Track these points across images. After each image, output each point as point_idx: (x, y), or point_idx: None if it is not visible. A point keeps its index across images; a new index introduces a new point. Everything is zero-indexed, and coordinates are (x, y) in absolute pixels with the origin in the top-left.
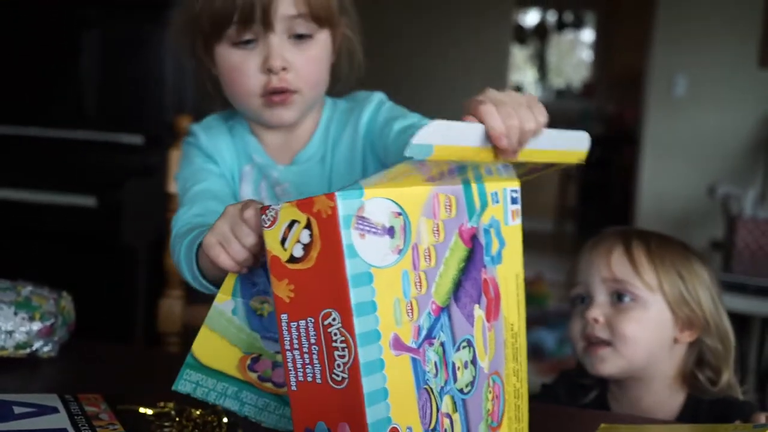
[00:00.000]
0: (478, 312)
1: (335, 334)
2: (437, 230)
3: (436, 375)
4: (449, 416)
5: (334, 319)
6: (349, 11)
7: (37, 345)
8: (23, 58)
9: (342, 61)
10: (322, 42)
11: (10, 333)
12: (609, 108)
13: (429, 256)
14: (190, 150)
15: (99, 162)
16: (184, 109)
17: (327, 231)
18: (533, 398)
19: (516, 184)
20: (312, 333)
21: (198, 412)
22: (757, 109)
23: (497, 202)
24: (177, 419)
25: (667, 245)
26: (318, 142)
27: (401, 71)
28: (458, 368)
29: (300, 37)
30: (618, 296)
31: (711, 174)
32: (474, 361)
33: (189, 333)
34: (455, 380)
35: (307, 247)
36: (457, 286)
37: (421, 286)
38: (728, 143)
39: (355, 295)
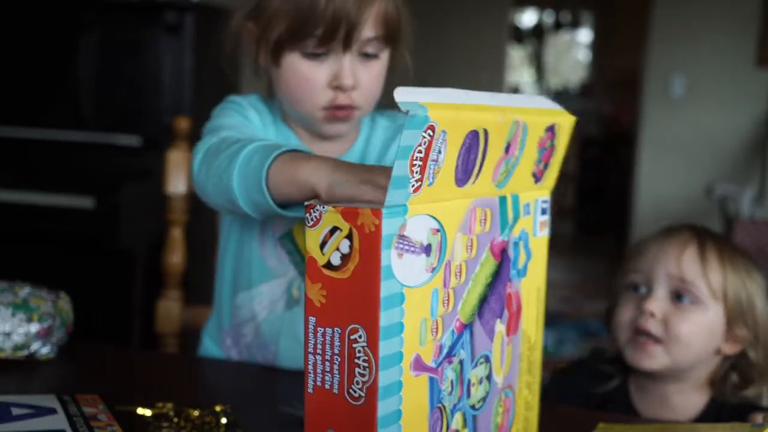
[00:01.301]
0: (500, 327)
1: (359, 351)
2: (471, 246)
3: (450, 393)
4: None
5: (360, 337)
6: (407, 30)
7: (35, 346)
8: (21, 59)
9: (394, 77)
10: (384, 60)
11: (8, 334)
12: (606, 108)
13: (460, 272)
14: (232, 109)
15: (97, 164)
16: (182, 111)
17: (367, 247)
18: (545, 389)
19: (546, 194)
20: (337, 343)
21: (196, 413)
22: (754, 109)
23: (528, 213)
24: (175, 420)
25: (737, 254)
26: (358, 151)
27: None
28: (473, 384)
29: (367, 56)
30: (678, 295)
31: (708, 174)
32: (489, 377)
33: (187, 334)
34: (468, 396)
35: (345, 258)
36: (482, 302)
37: (448, 303)
38: (726, 143)
39: (384, 318)
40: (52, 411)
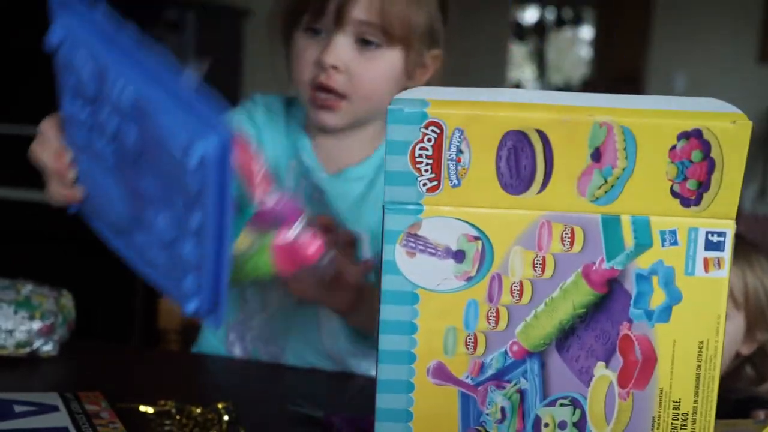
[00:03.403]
0: (603, 372)
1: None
2: (542, 264)
3: (501, 421)
4: None
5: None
6: (441, 45)
7: (37, 344)
8: (21, 57)
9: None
10: (390, 59)
11: (10, 332)
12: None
13: (521, 291)
14: (240, 115)
15: None
16: None
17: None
18: None
19: (726, 225)
20: None
21: (198, 410)
22: (756, 106)
23: (673, 243)
24: (177, 417)
25: (752, 252)
26: (374, 165)
27: None
28: (546, 425)
29: (367, 44)
30: None
31: None
32: (580, 425)
33: (189, 331)
34: None
35: None
36: (566, 333)
37: (497, 321)
38: None
39: (386, 312)
40: (54, 408)
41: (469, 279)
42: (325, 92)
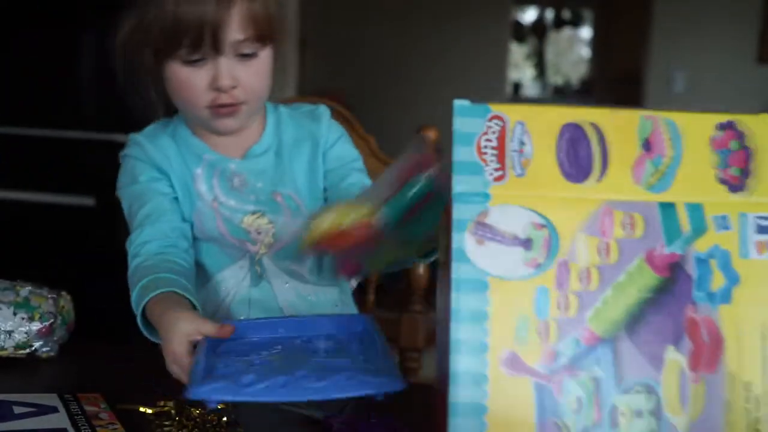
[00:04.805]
0: (673, 355)
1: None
2: (606, 250)
3: (578, 411)
4: None
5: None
6: (283, 26)
7: (36, 345)
8: (22, 58)
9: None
10: (265, 57)
11: (9, 333)
12: (608, 105)
13: (588, 277)
14: (133, 164)
15: (97, 162)
16: None
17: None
18: None
19: (765, 209)
20: None
21: (198, 411)
22: (755, 105)
23: (726, 228)
24: (177, 418)
25: None
26: (270, 138)
27: (399, 68)
28: (622, 413)
29: (244, 56)
30: None
31: None
32: (657, 413)
33: None
34: (614, 426)
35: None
36: (635, 318)
37: (567, 308)
38: None
39: (456, 300)
40: (53, 410)
41: (538, 266)
42: (226, 107)
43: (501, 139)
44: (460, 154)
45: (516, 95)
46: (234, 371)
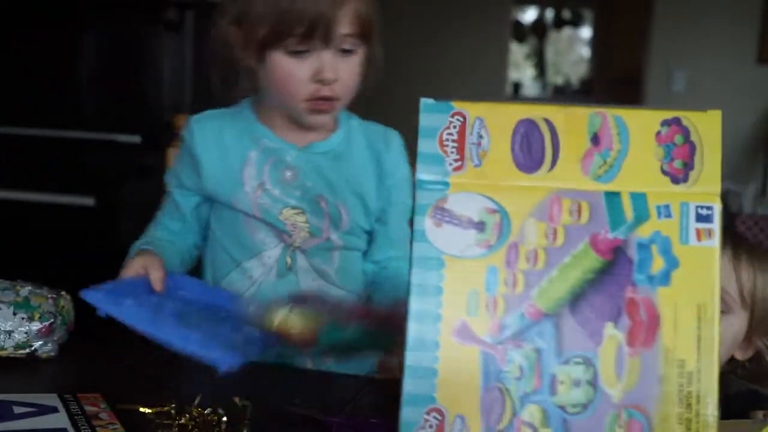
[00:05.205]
0: (612, 332)
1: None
2: (554, 234)
3: (520, 378)
4: (533, 427)
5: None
6: (378, 28)
7: (36, 345)
8: (21, 58)
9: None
10: (361, 55)
11: (9, 333)
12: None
13: (535, 258)
14: (182, 147)
15: (97, 162)
16: (182, 108)
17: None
18: None
19: (712, 200)
20: None
21: (198, 411)
22: (756, 105)
23: (668, 216)
24: (177, 418)
25: (765, 255)
26: (337, 141)
27: (399, 68)
28: (561, 382)
29: (345, 51)
30: None
31: None
32: (593, 383)
33: None
34: (553, 393)
35: None
36: (577, 296)
37: (515, 285)
38: (727, 139)
39: (416, 276)
40: (53, 410)
41: (489, 247)
42: (326, 101)
43: (461, 132)
44: (425, 146)
45: (516, 95)
46: (126, 295)
